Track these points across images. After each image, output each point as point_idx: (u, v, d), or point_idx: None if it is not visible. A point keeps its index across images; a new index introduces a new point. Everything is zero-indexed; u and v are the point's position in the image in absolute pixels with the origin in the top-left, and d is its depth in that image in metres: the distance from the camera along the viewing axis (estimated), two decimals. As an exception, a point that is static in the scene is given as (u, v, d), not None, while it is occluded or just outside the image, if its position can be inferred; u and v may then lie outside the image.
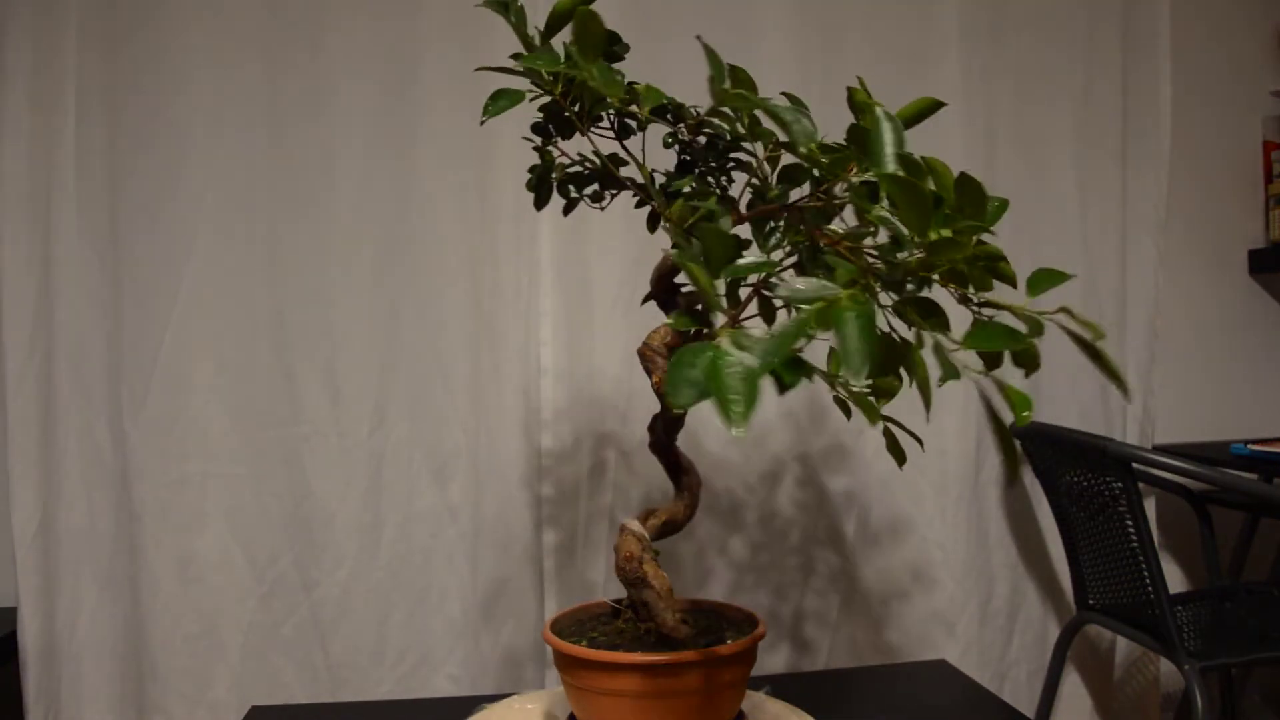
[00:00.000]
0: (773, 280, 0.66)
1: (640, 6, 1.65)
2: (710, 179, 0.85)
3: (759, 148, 0.82)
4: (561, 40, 0.77)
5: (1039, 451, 1.74)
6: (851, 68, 1.71)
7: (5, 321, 1.55)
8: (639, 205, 0.87)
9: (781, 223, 0.73)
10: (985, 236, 0.63)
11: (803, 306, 0.52)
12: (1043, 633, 1.86)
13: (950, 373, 0.54)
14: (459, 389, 1.64)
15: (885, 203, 0.59)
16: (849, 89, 0.71)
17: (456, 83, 1.60)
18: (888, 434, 0.85)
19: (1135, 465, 1.52)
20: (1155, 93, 1.87)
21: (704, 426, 1.62)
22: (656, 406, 0.87)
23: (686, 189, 0.81)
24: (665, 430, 0.87)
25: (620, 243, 1.62)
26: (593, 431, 1.65)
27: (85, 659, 1.58)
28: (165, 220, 1.58)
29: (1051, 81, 1.82)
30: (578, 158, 0.89)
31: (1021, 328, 0.60)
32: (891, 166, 0.58)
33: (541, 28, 0.77)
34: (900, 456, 0.85)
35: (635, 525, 0.86)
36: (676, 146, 0.86)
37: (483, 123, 0.80)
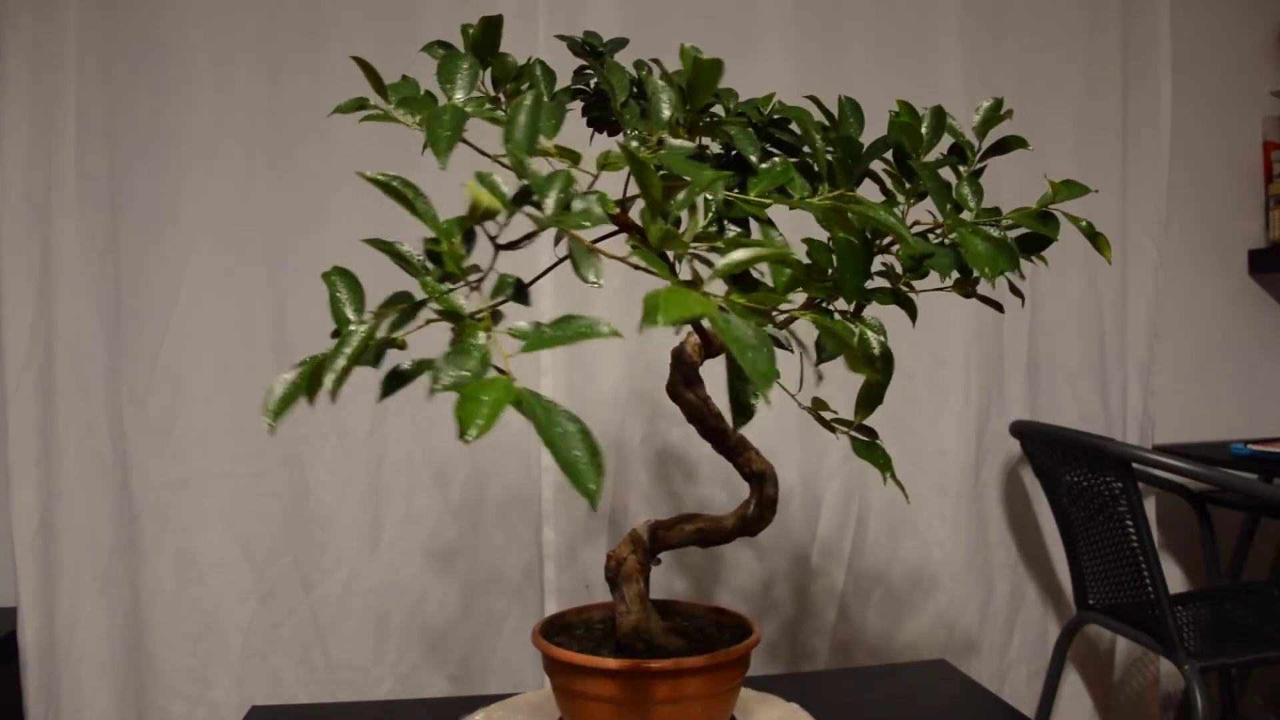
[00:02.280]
0: None
1: (640, 9, 1.65)
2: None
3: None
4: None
5: (1039, 451, 1.74)
6: (852, 70, 1.71)
7: (5, 321, 1.55)
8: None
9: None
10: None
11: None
12: (1043, 633, 1.87)
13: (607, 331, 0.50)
14: (459, 389, 1.64)
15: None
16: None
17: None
18: (858, 446, 0.80)
19: (1135, 465, 1.52)
20: (1155, 93, 1.88)
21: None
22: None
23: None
24: (707, 436, 0.85)
25: (619, 240, 1.62)
26: (593, 430, 1.65)
27: (85, 659, 1.58)
28: (165, 220, 1.58)
29: (1051, 82, 1.82)
30: None
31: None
32: (521, 153, 0.59)
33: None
34: (899, 485, 0.80)
35: (641, 528, 0.86)
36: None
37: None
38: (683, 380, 0.82)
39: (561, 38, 0.86)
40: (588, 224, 0.54)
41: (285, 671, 1.61)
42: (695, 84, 0.61)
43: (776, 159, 0.70)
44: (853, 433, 0.80)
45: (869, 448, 0.79)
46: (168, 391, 1.58)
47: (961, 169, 0.79)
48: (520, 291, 0.59)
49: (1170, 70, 1.87)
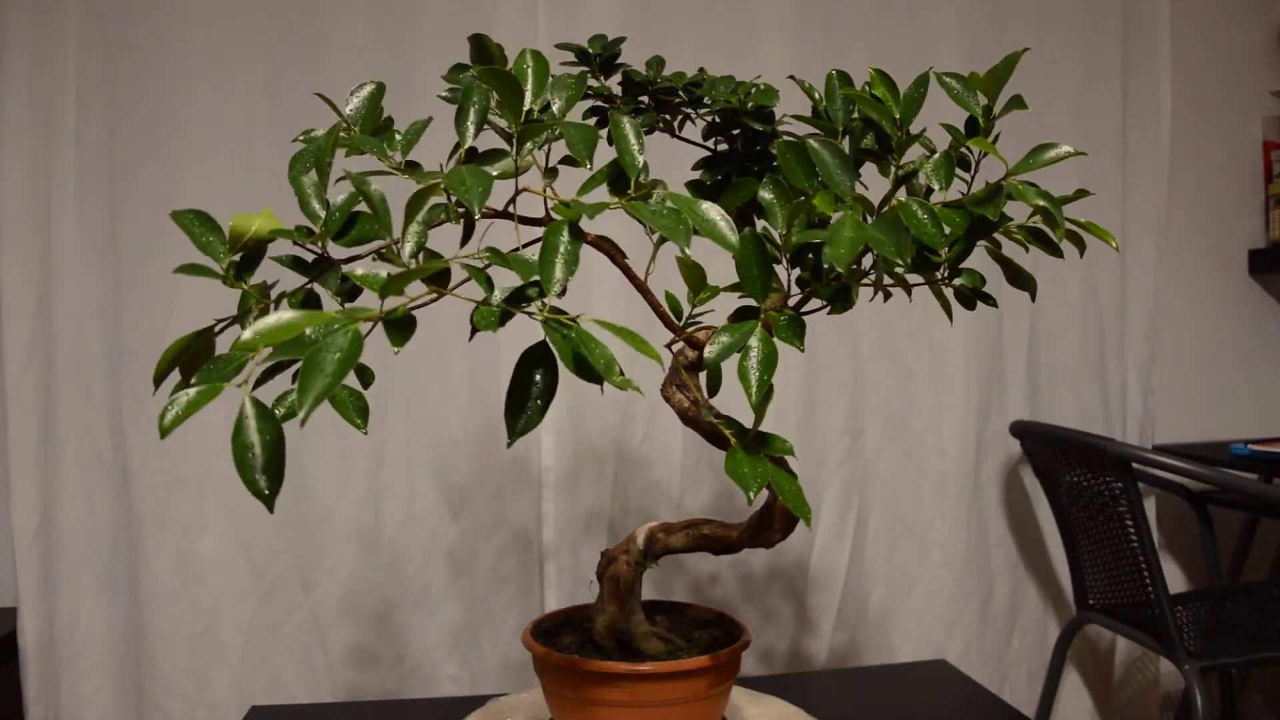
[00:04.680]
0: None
1: (640, 5, 1.65)
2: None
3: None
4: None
5: (1039, 451, 1.74)
6: (852, 62, 1.71)
7: (6, 321, 1.55)
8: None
9: None
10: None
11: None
12: (1043, 633, 1.87)
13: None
14: (458, 388, 1.64)
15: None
16: None
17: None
18: (729, 455, 0.68)
19: (1135, 465, 1.52)
20: (1155, 93, 1.88)
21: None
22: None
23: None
24: (712, 440, 0.83)
25: (619, 239, 1.62)
26: (593, 430, 1.65)
27: (85, 659, 1.58)
28: (165, 220, 1.58)
29: (1051, 81, 1.82)
30: None
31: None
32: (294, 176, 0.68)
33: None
34: (807, 515, 0.69)
35: (641, 530, 0.86)
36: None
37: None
38: (676, 383, 0.82)
39: (562, 47, 0.86)
40: (360, 244, 0.63)
41: (285, 671, 1.61)
42: (503, 97, 0.64)
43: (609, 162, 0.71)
44: (735, 438, 0.68)
45: (745, 462, 0.65)
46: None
47: (973, 145, 0.71)
48: (309, 302, 0.66)
49: (1170, 70, 1.87)
